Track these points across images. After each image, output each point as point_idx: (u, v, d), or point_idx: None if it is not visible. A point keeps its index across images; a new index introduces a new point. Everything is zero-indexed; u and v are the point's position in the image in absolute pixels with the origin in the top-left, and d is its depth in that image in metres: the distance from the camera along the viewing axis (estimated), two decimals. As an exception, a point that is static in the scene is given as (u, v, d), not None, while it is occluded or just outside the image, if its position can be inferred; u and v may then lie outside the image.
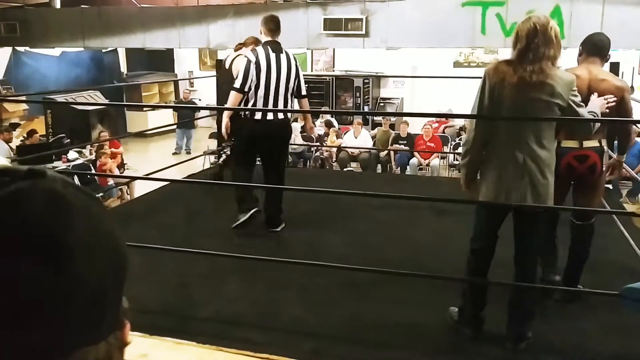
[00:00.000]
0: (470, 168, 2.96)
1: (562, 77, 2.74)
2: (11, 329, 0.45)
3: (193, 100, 14.05)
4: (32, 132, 9.78)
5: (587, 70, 3.30)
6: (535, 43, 2.68)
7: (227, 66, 5.34)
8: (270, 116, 4.42)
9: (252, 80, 4.32)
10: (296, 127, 8.42)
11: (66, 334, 0.48)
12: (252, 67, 4.31)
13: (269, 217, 4.58)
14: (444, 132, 11.34)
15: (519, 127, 2.77)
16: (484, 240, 2.93)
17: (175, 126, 12.66)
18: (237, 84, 4.35)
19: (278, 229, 4.58)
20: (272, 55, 4.36)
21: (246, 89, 4.34)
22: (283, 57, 4.40)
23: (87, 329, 0.49)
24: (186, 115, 11.94)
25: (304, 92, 4.59)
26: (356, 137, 10.44)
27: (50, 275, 0.46)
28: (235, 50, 5.40)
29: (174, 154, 12.48)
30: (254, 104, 4.39)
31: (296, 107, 4.74)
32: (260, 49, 4.42)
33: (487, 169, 2.87)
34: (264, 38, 4.46)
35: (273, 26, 4.43)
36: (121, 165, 9.49)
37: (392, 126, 11.12)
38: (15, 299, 0.45)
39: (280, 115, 4.48)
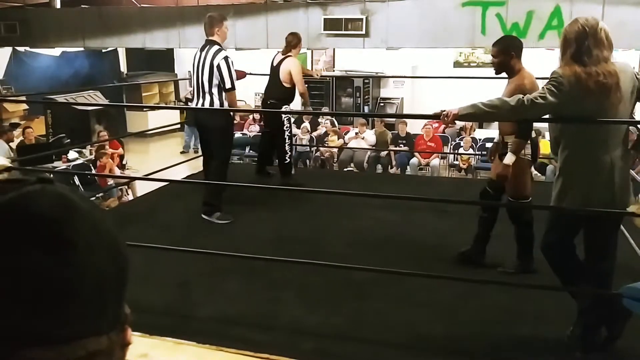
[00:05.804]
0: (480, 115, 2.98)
1: (626, 71, 2.65)
2: (14, 314, 0.48)
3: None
4: (26, 128, 9.76)
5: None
6: (585, 46, 2.56)
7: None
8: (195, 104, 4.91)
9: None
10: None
11: (68, 320, 0.50)
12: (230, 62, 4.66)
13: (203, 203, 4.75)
14: (444, 132, 11.34)
15: (604, 131, 2.67)
16: (571, 247, 2.82)
17: (176, 125, 12.69)
18: (230, 84, 4.67)
19: (207, 217, 4.71)
20: (198, 52, 4.79)
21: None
22: (204, 53, 4.72)
23: (89, 319, 0.52)
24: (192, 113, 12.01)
25: (227, 86, 4.69)
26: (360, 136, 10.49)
27: (52, 264, 0.50)
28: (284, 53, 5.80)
29: (182, 152, 12.62)
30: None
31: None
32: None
33: (572, 176, 2.73)
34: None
35: (206, 27, 4.81)
36: (121, 166, 9.48)
37: (389, 126, 11.12)
38: (20, 286, 0.49)
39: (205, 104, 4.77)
